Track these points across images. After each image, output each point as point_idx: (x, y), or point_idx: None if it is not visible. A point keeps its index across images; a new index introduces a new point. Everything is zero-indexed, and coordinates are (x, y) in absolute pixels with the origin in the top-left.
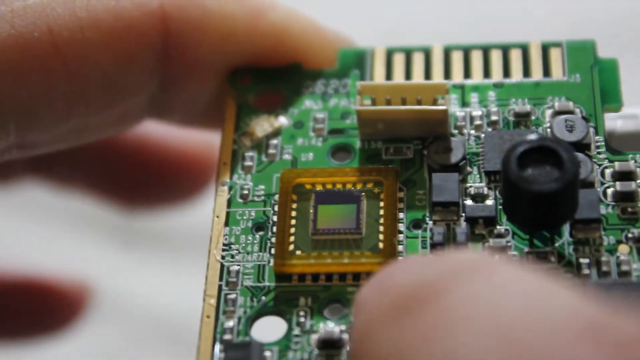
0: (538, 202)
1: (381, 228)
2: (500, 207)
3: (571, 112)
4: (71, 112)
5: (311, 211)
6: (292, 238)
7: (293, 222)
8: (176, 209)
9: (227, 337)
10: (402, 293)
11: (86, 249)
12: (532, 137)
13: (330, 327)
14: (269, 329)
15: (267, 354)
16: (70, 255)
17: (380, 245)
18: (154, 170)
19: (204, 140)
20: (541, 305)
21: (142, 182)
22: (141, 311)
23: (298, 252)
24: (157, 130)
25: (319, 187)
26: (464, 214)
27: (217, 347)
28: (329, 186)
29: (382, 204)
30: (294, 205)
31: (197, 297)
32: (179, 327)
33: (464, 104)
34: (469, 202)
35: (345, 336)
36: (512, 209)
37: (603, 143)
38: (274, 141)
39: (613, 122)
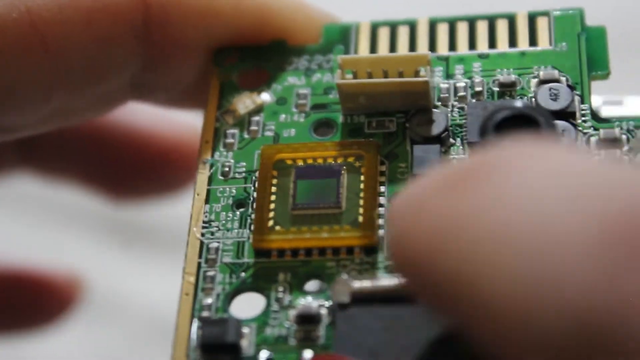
0: None
1: (361, 202)
2: None
3: (556, 81)
4: (52, 94)
5: (291, 186)
6: (271, 214)
7: (273, 197)
8: (166, 198)
9: (205, 314)
10: (454, 171)
11: (79, 245)
12: (514, 104)
13: (309, 302)
14: (248, 306)
15: (245, 330)
16: (63, 251)
17: (360, 219)
18: (143, 160)
19: (193, 127)
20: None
21: (132, 172)
22: (135, 308)
23: (277, 228)
24: (146, 119)
25: (299, 162)
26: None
27: (195, 323)
28: (310, 161)
29: (362, 177)
30: (274, 181)
31: None
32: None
33: (449, 76)
34: None
35: (323, 311)
36: None
37: (588, 111)
38: (256, 118)
39: (597, 107)
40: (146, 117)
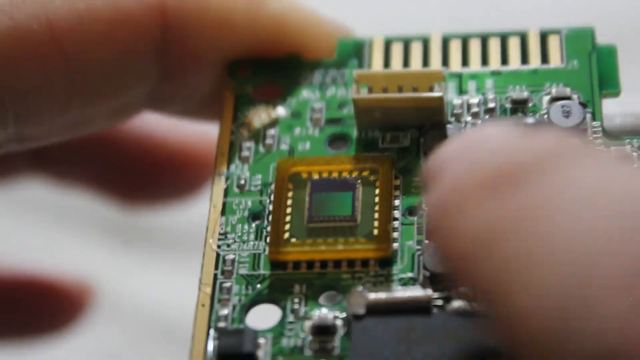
0: None
1: (376, 215)
2: None
3: (568, 98)
4: (70, 104)
5: (307, 199)
6: (287, 226)
7: (288, 210)
8: (176, 205)
9: (221, 324)
10: (498, 168)
11: (86, 248)
12: (528, 121)
13: (324, 313)
14: (263, 317)
15: (261, 340)
16: (70, 254)
17: (375, 231)
18: (154, 166)
19: (204, 135)
20: None
21: (142, 178)
22: (142, 311)
23: (293, 240)
24: (157, 125)
25: (315, 176)
26: None
27: (212, 333)
28: (325, 174)
29: (377, 191)
30: (290, 194)
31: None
32: (179, 327)
33: (462, 92)
34: None
35: (339, 322)
36: None
37: (600, 129)
38: (272, 131)
39: (611, 119)
40: (158, 123)
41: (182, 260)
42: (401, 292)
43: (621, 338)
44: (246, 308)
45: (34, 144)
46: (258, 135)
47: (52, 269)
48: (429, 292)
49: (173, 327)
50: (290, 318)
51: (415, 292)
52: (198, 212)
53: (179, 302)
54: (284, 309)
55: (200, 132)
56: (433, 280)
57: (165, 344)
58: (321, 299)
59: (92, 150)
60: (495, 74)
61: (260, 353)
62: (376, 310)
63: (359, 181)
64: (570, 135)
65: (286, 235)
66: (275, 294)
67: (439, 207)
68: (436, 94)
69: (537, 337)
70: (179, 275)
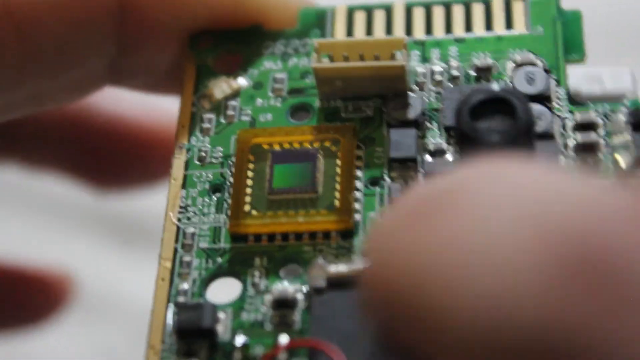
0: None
1: (337, 186)
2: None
3: (532, 64)
4: (24, 77)
5: (267, 171)
6: (247, 198)
7: (249, 182)
8: (149, 187)
9: (181, 299)
10: (422, 199)
11: (71, 241)
12: (493, 87)
13: (285, 287)
14: (224, 291)
15: (221, 315)
16: (54, 249)
17: (336, 203)
18: (125, 148)
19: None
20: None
21: (114, 161)
22: (128, 304)
23: (254, 212)
24: (127, 106)
25: (276, 147)
26: (422, 170)
27: (171, 309)
28: (287, 145)
29: (339, 162)
30: (251, 166)
31: None
32: None
33: (425, 60)
34: (428, 157)
35: (299, 296)
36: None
37: (565, 95)
38: (233, 103)
39: (577, 83)
40: (127, 104)
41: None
42: (363, 265)
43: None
44: (206, 282)
45: None
46: (219, 107)
47: (31, 260)
48: None
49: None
50: (251, 292)
51: None
52: None
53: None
54: (244, 282)
55: (171, 110)
56: None
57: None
58: (282, 273)
59: (61, 132)
60: (459, 41)
61: (219, 328)
62: (337, 283)
63: (320, 152)
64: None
65: (247, 207)
66: (236, 267)
67: (371, 249)
68: (398, 62)
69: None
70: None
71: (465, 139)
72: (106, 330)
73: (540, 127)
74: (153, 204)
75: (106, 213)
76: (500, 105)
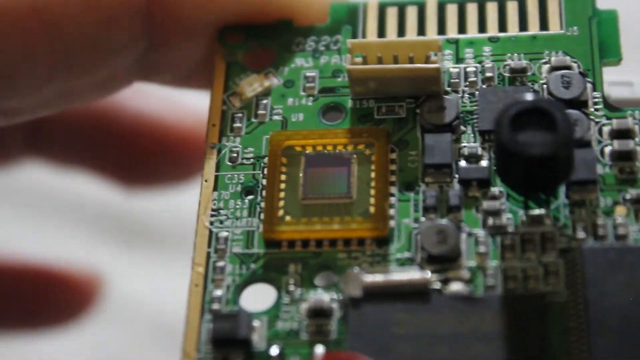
0: (531, 166)
1: (372, 192)
2: (495, 168)
3: (568, 68)
4: (53, 76)
5: (301, 175)
6: (281, 203)
7: (282, 186)
8: (176, 186)
9: (215, 306)
10: None
11: (83, 244)
12: (526, 97)
13: (320, 295)
14: (258, 297)
15: (256, 323)
16: (72, 252)
17: (371, 209)
18: (154, 147)
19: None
20: None
21: (142, 159)
22: (140, 306)
23: (287, 218)
24: (156, 107)
25: (309, 150)
26: (457, 176)
27: (206, 316)
28: (320, 148)
29: (373, 166)
30: (283, 169)
31: None
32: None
33: (458, 59)
34: (462, 163)
35: (335, 305)
36: (505, 171)
37: (601, 99)
38: (264, 101)
39: (607, 89)
40: (156, 102)
41: (182, 256)
42: (398, 275)
43: None
44: (240, 288)
45: (20, 117)
46: (250, 105)
47: (61, 260)
48: (427, 274)
49: (174, 324)
50: (286, 300)
51: (413, 274)
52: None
53: (181, 299)
54: (279, 289)
55: (200, 109)
56: (431, 261)
57: (165, 341)
58: (317, 280)
59: (89, 131)
60: (493, 40)
61: (255, 337)
62: (373, 293)
63: (354, 156)
64: None
65: (280, 212)
66: (270, 273)
67: None
68: (432, 65)
69: None
70: (179, 272)
71: (505, 151)
72: (117, 334)
73: (576, 133)
74: (169, 210)
75: (123, 217)
76: (540, 116)
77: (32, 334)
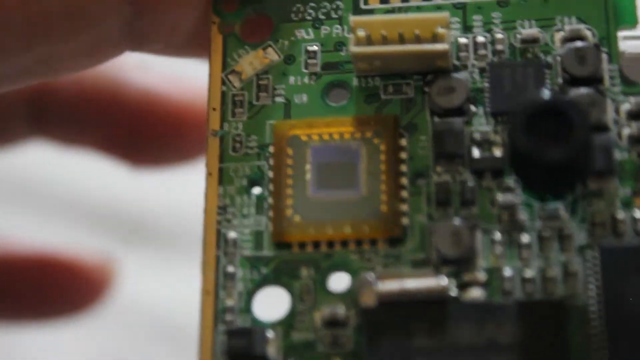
0: (548, 168)
1: (383, 187)
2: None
3: (582, 38)
4: (32, 41)
5: (308, 168)
6: (289, 201)
7: (289, 181)
8: (181, 164)
9: (228, 317)
10: None
11: (90, 245)
12: (541, 96)
13: (335, 305)
14: (270, 301)
15: (270, 334)
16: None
17: (383, 208)
18: (160, 124)
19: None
20: None
21: (147, 137)
22: (139, 305)
23: (297, 218)
24: (163, 82)
25: (315, 138)
26: (469, 164)
27: (219, 327)
28: (326, 137)
29: (382, 156)
30: (289, 162)
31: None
32: (182, 326)
33: (467, 28)
34: (475, 152)
35: (350, 314)
36: (521, 170)
37: (617, 73)
38: (265, 82)
39: (622, 43)
40: (162, 77)
41: (184, 259)
42: (414, 282)
43: None
44: (252, 294)
45: (3, 86)
46: (250, 85)
47: (74, 248)
48: (444, 280)
49: (173, 323)
50: (300, 308)
51: (429, 281)
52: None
53: (179, 298)
54: (292, 296)
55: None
56: (445, 262)
57: (164, 340)
58: (330, 285)
59: (92, 108)
60: (502, 4)
61: (270, 350)
62: (388, 302)
63: (362, 146)
64: None
65: (289, 212)
66: (282, 277)
67: None
68: (440, 46)
69: None
70: (178, 271)
71: (520, 155)
72: (117, 333)
73: (593, 117)
74: (166, 210)
75: (122, 216)
76: (555, 114)
77: (44, 322)
